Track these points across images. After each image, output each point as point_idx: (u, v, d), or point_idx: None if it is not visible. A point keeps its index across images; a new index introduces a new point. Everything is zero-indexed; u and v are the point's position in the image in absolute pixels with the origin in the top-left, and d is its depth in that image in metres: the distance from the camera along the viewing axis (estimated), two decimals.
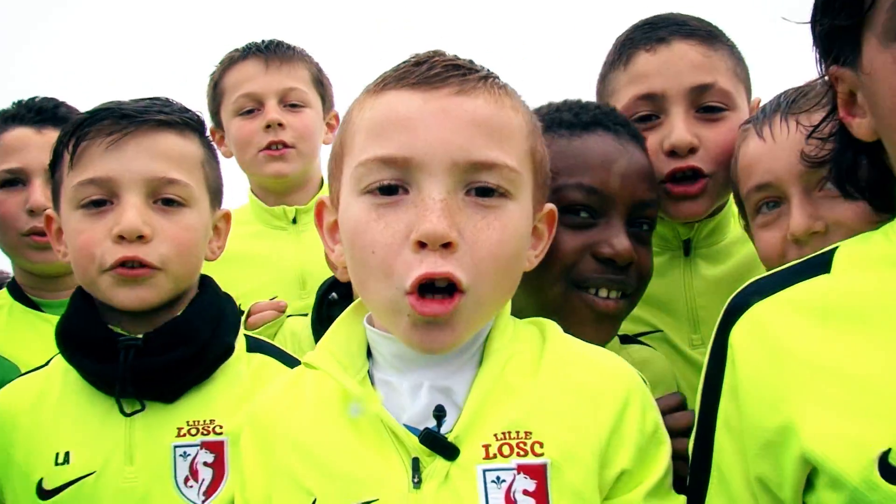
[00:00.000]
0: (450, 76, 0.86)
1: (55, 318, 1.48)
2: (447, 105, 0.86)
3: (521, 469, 0.84)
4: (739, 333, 0.87)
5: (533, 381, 0.91)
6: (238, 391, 1.15)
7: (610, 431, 0.87)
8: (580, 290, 1.11)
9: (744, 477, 0.85)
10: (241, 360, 1.20)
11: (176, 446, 1.12)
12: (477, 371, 0.91)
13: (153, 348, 1.12)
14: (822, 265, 0.87)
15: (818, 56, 0.90)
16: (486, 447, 0.86)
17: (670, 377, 1.28)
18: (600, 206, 1.12)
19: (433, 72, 0.87)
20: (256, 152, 1.78)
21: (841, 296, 0.84)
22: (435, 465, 0.86)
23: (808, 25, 0.87)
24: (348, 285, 1.30)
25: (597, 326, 1.11)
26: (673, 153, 1.30)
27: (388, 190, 0.86)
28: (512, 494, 0.84)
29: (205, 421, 1.13)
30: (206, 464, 1.12)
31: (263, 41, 1.86)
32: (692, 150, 1.30)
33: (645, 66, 1.34)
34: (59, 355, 1.19)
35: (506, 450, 0.85)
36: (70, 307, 1.23)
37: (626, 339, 1.30)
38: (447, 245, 0.83)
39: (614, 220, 1.11)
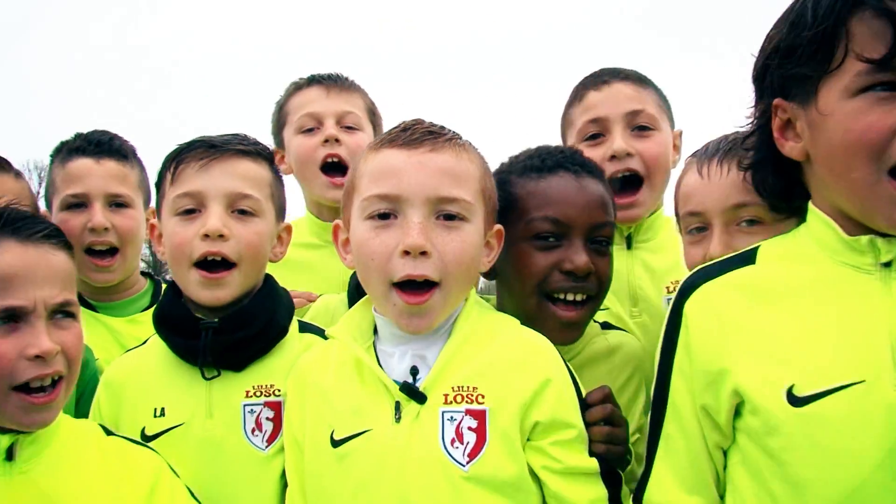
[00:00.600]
0: (425, 139, 1.28)
1: (105, 318, 1.91)
2: (423, 159, 1.27)
3: (469, 412, 1.26)
4: (691, 305, 1.23)
5: (483, 353, 1.30)
6: (292, 361, 1.46)
7: (533, 393, 1.25)
8: (549, 301, 1.45)
9: (692, 407, 1.20)
10: (294, 339, 1.52)
11: (245, 404, 1.44)
12: (444, 344, 1.31)
13: (226, 329, 1.44)
14: (749, 259, 1.23)
15: (760, 86, 1.21)
16: (446, 396, 1.27)
17: (640, 355, 1.59)
18: (563, 232, 1.44)
19: (414, 136, 1.29)
20: (316, 169, 2.02)
21: (763, 280, 1.20)
22: (410, 407, 1.27)
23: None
24: None
25: (562, 331, 1.45)
26: (614, 157, 1.75)
27: (383, 216, 1.28)
28: (460, 429, 1.25)
29: (266, 385, 1.45)
30: (268, 418, 1.44)
31: (326, 74, 2.13)
32: (628, 155, 1.75)
33: (593, 100, 1.82)
34: (154, 336, 1.54)
35: (458, 399, 1.26)
36: (164, 299, 1.57)
37: (607, 326, 1.64)
38: (424, 253, 1.24)
39: (575, 241, 1.44)
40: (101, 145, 1.93)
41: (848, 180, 1.08)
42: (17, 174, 1.94)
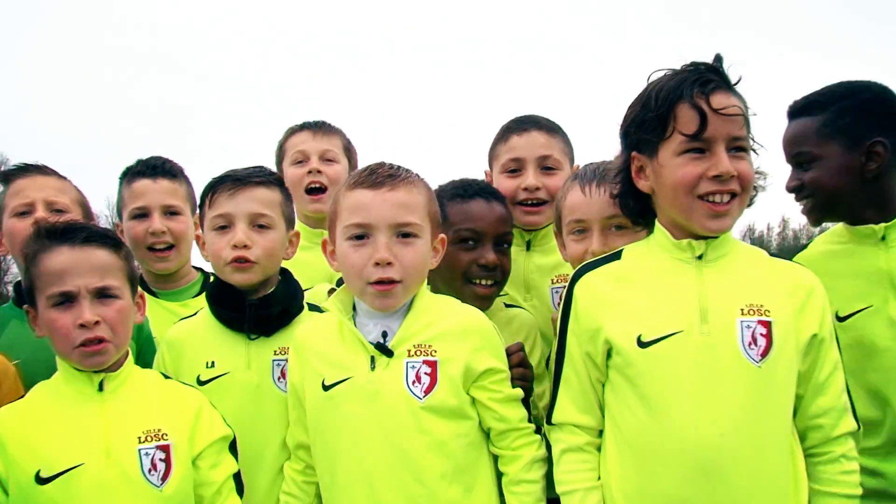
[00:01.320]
0: (385, 181, 1.78)
1: (165, 302, 2.44)
2: (385, 197, 1.78)
3: (425, 362, 1.80)
4: (579, 288, 1.80)
5: (433, 321, 1.83)
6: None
7: (472, 349, 1.79)
8: (471, 284, 2.11)
9: (580, 355, 1.78)
10: (306, 315, 2.07)
11: (274, 360, 1.98)
12: (405, 318, 1.84)
13: (262, 306, 1.99)
14: (617, 256, 1.86)
15: (624, 143, 1.81)
16: (409, 351, 1.79)
17: (531, 324, 2.23)
18: (478, 238, 2.10)
19: (378, 179, 1.80)
20: (303, 192, 2.65)
21: (624, 270, 1.81)
22: (381, 360, 1.78)
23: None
24: None
25: (479, 302, 2.05)
26: (526, 189, 2.30)
27: (359, 237, 1.78)
28: (419, 374, 1.76)
29: (288, 347, 1.96)
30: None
31: (314, 121, 2.80)
32: (538, 189, 2.30)
33: (514, 143, 2.39)
34: (202, 310, 2.08)
35: (418, 353, 1.79)
36: (214, 284, 2.11)
37: (508, 305, 2.28)
38: (389, 263, 1.75)
39: (486, 244, 2.11)
40: (156, 168, 2.45)
41: (677, 205, 1.72)
42: (60, 175, 2.37)
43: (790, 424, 1.68)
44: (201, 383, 1.95)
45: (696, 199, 1.67)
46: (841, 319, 2.03)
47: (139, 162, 2.48)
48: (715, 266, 1.73)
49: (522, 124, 2.42)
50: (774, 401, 1.65)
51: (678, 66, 1.73)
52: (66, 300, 1.71)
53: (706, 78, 1.67)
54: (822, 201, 2.11)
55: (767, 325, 1.65)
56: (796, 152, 2.14)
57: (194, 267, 2.60)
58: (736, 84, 1.72)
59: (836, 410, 1.70)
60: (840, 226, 2.18)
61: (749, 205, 1.78)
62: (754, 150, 1.75)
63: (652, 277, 1.75)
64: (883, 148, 1.99)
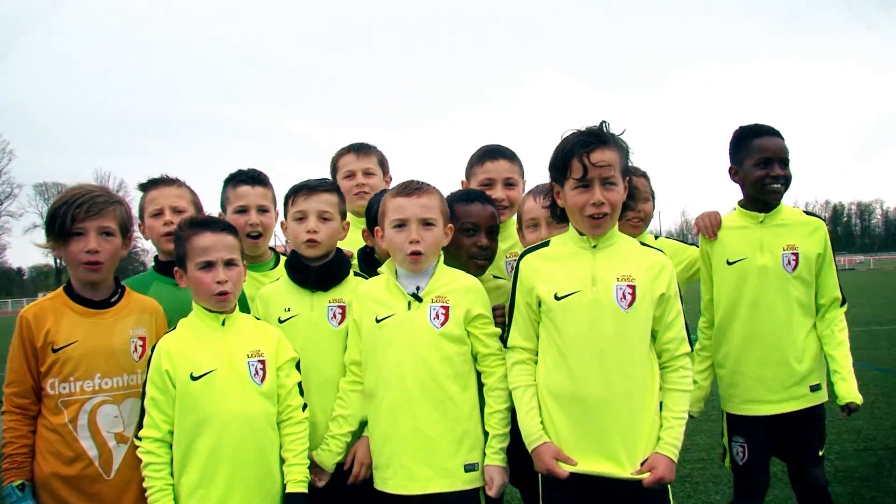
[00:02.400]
0: (413, 191, 2.75)
1: (252, 273, 3.24)
2: (414, 201, 2.74)
3: (442, 307, 2.75)
4: (523, 263, 2.76)
5: (447, 283, 2.79)
6: (350, 289, 2.96)
7: (471, 301, 2.78)
8: (471, 259, 2.99)
9: (524, 304, 2.73)
10: (351, 278, 3.03)
11: (328, 306, 2.95)
12: (430, 279, 2.79)
13: (321, 270, 2.95)
14: (546, 244, 2.81)
15: (551, 177, 2.76)
16: (431, 299, 2.75)
17: (505, 287, 3.11)
18: (476, 229, 3.01)
19: (409, 190, 2.78)
20: (351, 196, 3.54)
21: (550, 252, 2.78)
22: (415, 304, 2.76)
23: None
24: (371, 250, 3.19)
25: (476, 271, 2.99)
26: (497, 199, 3.20)
27: (399, 226, 2.75)
28: (437, 313, 2.73)
29: (338, 298, 2.96)
30: (339, 313, 2.95)
31: (357, 144, 3.72)
32: (503, 199, 3.24)
33: (488, 167, 3.33)
34: (281, 276, 3.04)
35: (437, 301, 2.75)
36: (291, 255, 3.05)
37: (496, 277, 3.20)
38: (417, 242, 2.72)
39: (482, 233, 3.03)
40: (254, 178, 3.35)
41: (574, 219, 2.69)
42: (179, 183, 3.28)
43: (647, 346, 2.65)
44: (280, 322, 2.91)
45: (584, 217, 2.62)
46: (730, 263, 3.27)
47: (241, 171, 3.38)
48: (603, 252, 2.67)
49: (493, 154, 3.41)
50: (635, 332, 2.61)
51: (585, 125, 2.63)
52: (208, 266, 2.64)
53: (587, 141, 2.58)
54: (787, 188, 3.30)
55: (633, 287, 2.59)
56: (785, 157, 3.29)
57: (269, 248, 3.50)
58: (613, 139, 2.62)
59: (677, 340, 2.66)
60: (738, 209, 3.39)
61: (624, 212, 2.72)
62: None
63: (565, 257, 2.71)
64: None
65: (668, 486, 2.57)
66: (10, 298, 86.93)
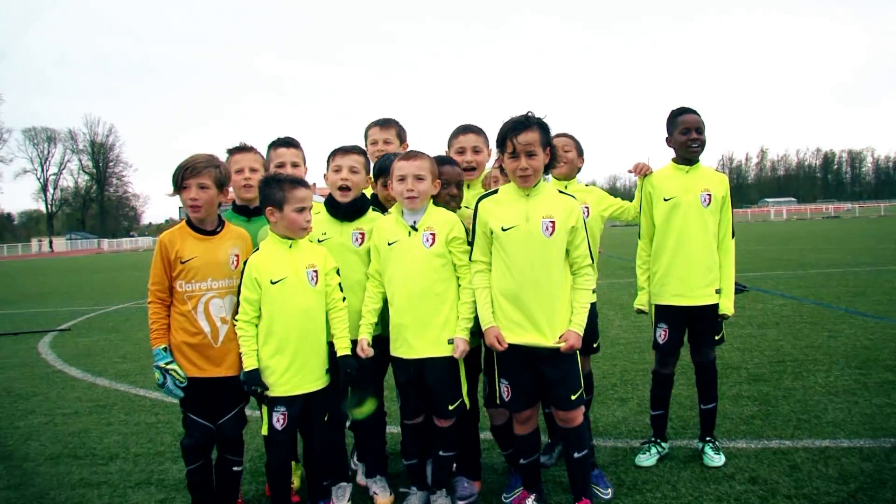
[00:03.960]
0: (412, 156, 3.92)
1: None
2: (412, 163, 3.87)
3: (431, 234, 3.91)
4: (480, 204, 3.91)
5: (434, 217, 3.93)
6: (369, 220, 4.17)
7: (449, 230, 3.89)
8: (446, 203, 4.08)
9: (481, 234, 3.83)
10: (370, 212, 4.22)
11: (352, 232, 4.16)
12: (422, 216, 3.93)
13: (348, 206, 4.14)
14: (496, 192, 3.93)
15: (498, 148, 3.88)
16: (426, 229, 3.91)
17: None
18: (447, 183, 4.05)
19: (409, 156, 3.92)
20: (374, 158, 4.59)
21: (499, 197, 3.87)
22: (413, 233, 3.92)
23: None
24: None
25: (452, 209, 4.10)
26: (468, 162, 4.37)
27: (401, 180, 3.87)
28: (428, 238, 3.88)
29: (360, 227, 4.16)
30: (360, 237, 4.16)
31: (382, 119, 4.79)
32: (470, 162, 4.39)
33: (461, 139, 4.44)
34: (322, 211, 4.19)
35: (428, 230, 3.89)
36: (329, 197, 4.22)
37: (467, 208, 4.32)
38: (412, 190, 3.86)
39: (452, 185, 4.10)
40: (287, 142, 4.48)
41: (511, 177, 3.75)
42: (255, 150, 4.44)
43: (563, 261, 3.72)
44: (319, 242, 4.07)
45: (516, 177, 3.68)
46: (665, 200, 4.52)
47: (279, 138, 4.51)
48: (534, 198, 3.70)
49: (465, 130, 4.47)
50: (555, 252, 3.67)
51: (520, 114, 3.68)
52: (301, 210, 3.76)
53: (516, 126, 3.62)
54: (703, 149, 4.56)
55: (553, 222, 3.65)
56: (700, 128, 4.54)
57: None
58: (533, 122, 3.64)
59: (582, 256, 3.75)
60: (671, 164, 4.63)
61: (546, 172, 3.77)
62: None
63: (508, 202, 3.74)
64: None
65: (577, 351, 3.76)
66: (5, 244, 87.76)
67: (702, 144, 4.53)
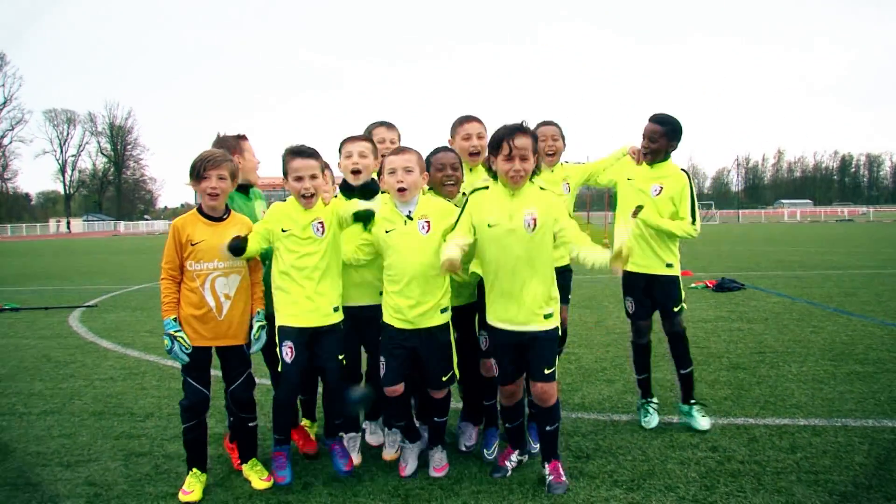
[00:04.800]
0: (401, 151, 4.44)
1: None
2: (400, 157, 4.32)
3: (427, 222, 4.36)
4: (471, 197, 4.32)
5: (428, 206, 4.40)
6: (377, 200, 4.63)
7: (444, 217, 4.33)
8: (444, 186, 4.56)
9: (468, 221, 4.19)
10: (379, 195, 4.69)
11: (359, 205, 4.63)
12: (417, 205, 4.38)
13: (361, 188, 4.62)
14: (486, 187, 4.28)
15: (490, 151, 4.34)
16: (420, 216, 4.35)
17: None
18: (444, 167, 4.56)
19: (397, 151, 4.39)
20: (379, 154, 5.08)
21: (487, 193, 4.23)
22: (410, 221, 4.35)
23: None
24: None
25: (451, 193, 4.59)
26: (474, 147, 4.85)
27: (392, 172, 4.31)
28: (423, 225, 4.32)
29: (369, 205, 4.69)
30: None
31: (385, 121, 5.31)
32: (476, 146, 4.87)
33: (467, 127, 4.92)
34: (339, 192, 4.75)
35: (423, 218, 4.34)
36: (343, 181, 4.75)
37: (464, 194, 4.86)
38: (402, 181, 4.30)
39: (448, 168, 4.55)
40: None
41: (502, 178, 4.08)
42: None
43: (546, 252, 4.09)
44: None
45: (508, 177, 3.99)
46: (629, 179, 5.23)
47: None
48: (518, 197, 4.04)
49: (469, 118, 4.88)
50: (538, 246, 4.03)
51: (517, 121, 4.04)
52: (299, 178, 4.29)
53: (513, 130, 3.96)
54: (653, 155, 5.17)
55: (534, 218, 3.99)
56: (652, 136, 5.15)
57: None
58: (528, 129, 4.02)
59: (571, 229, 4.04)
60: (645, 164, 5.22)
61: (534, 174, 4.14)
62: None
63: (496, 199, 4.08)
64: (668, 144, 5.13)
65: (556, 333, 4.26)
66: (24, 224, 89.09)
67: (651, 151, 5.21)
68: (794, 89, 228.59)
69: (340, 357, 4.39)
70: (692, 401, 5.22)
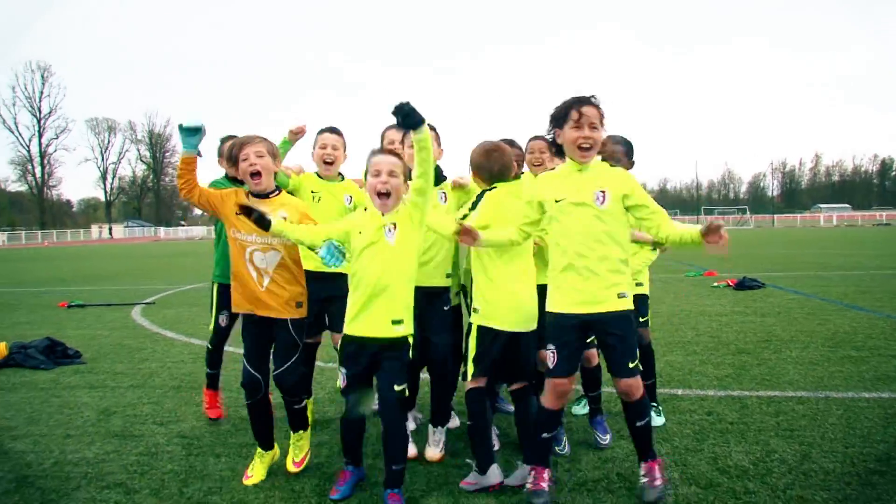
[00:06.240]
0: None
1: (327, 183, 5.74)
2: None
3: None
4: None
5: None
6: (346, 188, 5.25)
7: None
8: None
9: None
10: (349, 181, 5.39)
11: (344, 195, 5.22)
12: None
13: (332, 177, 5.39)
14: (554, 169, 4.18)
15: (553, 124, 3.93)
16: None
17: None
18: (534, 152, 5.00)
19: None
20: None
21: (558, 172, 4.00)
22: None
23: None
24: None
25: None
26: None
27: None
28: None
29: (348, 192, 4.50)
30: (349, 198, 4.50)
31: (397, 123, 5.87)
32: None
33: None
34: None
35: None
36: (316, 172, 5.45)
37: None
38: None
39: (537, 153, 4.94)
40: (334, 130, 5.11)
41: (569, 150, 3.81)
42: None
43: (621, 231, 3.79)
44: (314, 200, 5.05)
45: (576, 147, 3.74)
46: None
47: (326, 127, 5.14)
48: (587, 173, 3.77)
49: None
50: (610, 221, 3.73)
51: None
52: (379, 174, 3.90)
53: (581, 100, 3.75)
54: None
55: (604, 193, 3.72)
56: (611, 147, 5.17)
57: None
58: (596, 102, 3.77)
59: (653, 208, 3.75)
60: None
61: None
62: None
63: (566, 176, 3.84)
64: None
65: (636, 320, 4.18)
66: (68, 230, 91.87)
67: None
68: (831, 92, 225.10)
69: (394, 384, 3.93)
70: (653, 403, 5.27)
